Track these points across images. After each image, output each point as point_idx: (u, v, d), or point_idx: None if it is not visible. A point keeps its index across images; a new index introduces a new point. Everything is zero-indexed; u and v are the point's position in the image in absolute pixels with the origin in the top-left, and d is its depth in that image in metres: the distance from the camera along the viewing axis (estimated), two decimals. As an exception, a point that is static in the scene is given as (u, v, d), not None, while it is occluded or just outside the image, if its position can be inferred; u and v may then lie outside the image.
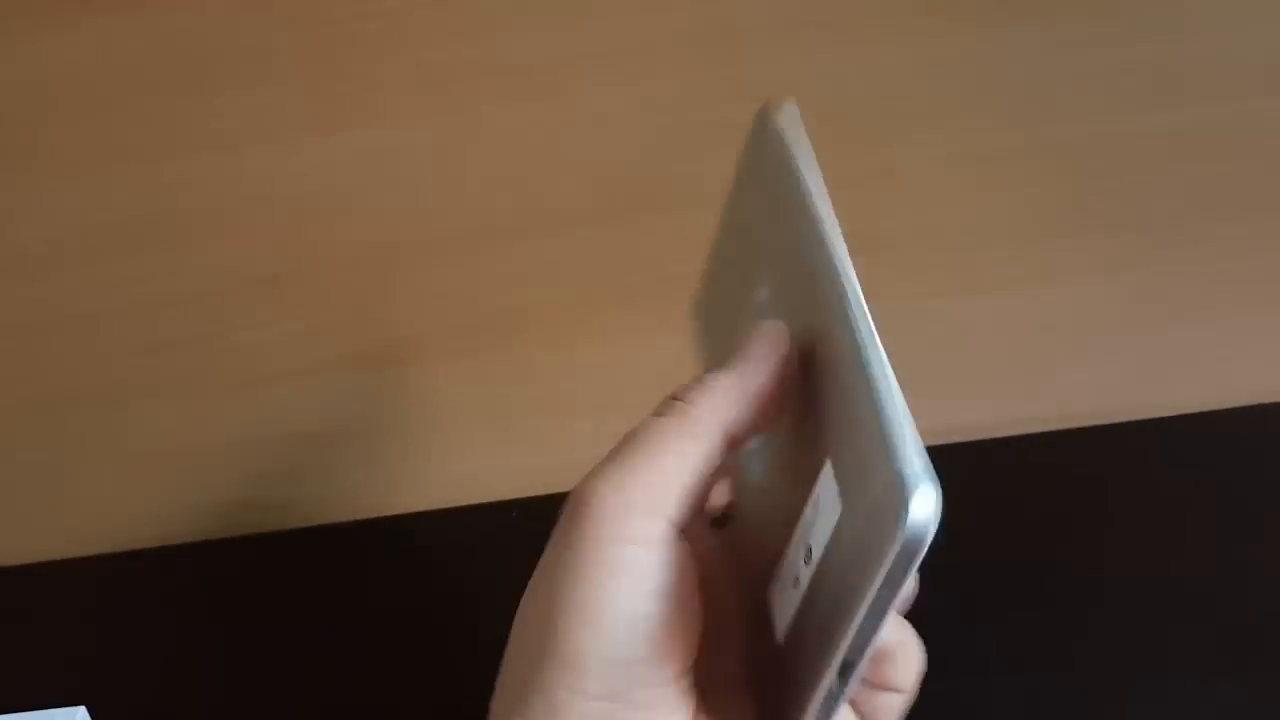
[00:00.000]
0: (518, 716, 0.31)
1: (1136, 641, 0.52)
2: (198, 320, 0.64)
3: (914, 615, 0.33)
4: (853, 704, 0.33)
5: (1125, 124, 0.58)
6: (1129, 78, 0.57)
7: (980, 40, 0.56)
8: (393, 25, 0.57)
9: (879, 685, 0.32)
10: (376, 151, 0.60)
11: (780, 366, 0.32)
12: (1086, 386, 0.66)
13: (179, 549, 0.70)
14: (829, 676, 0.29)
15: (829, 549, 0.28)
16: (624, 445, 0.33)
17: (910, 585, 0.29)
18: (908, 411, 0.26)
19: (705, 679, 0.32)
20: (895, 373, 0.27)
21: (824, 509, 0.28)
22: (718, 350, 0.27)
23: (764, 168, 0.33)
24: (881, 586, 0.25)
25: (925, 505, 0.23)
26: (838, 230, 0.28)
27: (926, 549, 0.24)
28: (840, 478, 0.27)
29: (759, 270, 0.34)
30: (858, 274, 0.31)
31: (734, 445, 0.32)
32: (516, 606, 0.32)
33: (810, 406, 0.30)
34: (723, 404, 0.32)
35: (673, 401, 0.33)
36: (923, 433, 0.25)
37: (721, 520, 0.38)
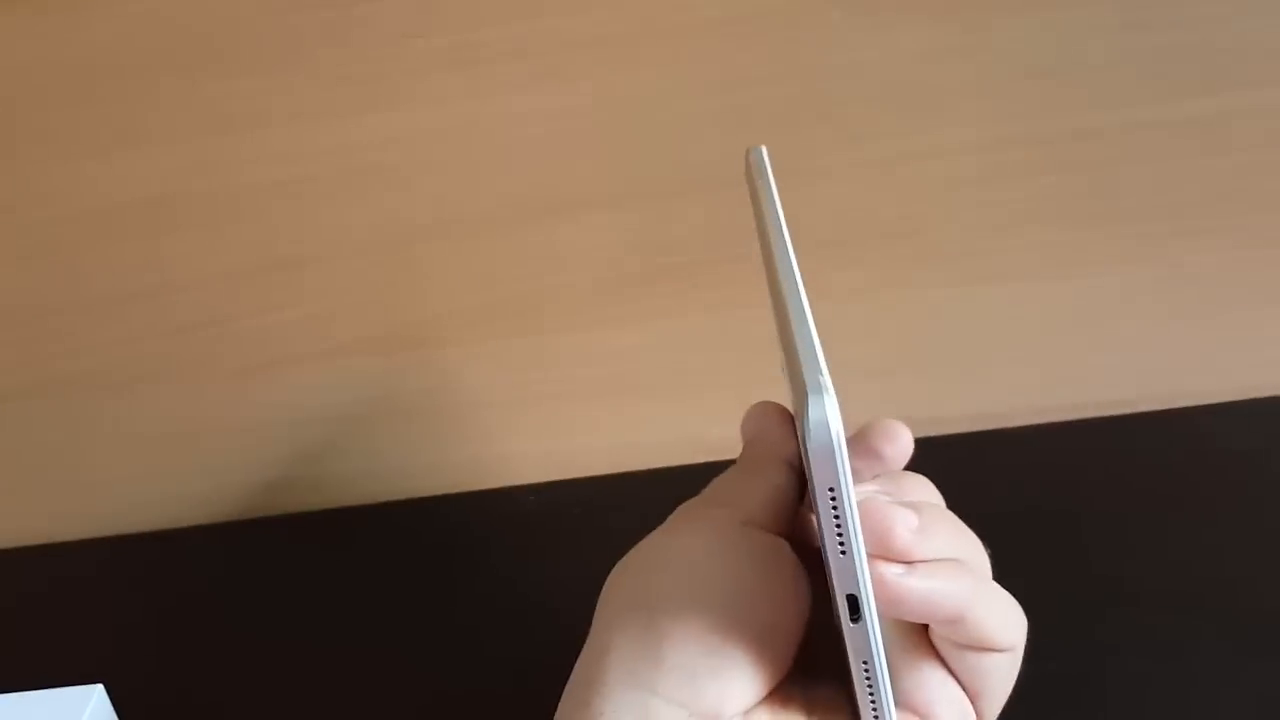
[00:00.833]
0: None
1: (1148, 632, 0.52)
2: (215, 304, 0.65)
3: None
4: (949, 669, 0.33)
5: (1147, 112, 0.58)
6: (1155, 65, 0.57)
7: (1003, 26, 0.56)
8: (412, 8, 0.56)
9: (966, 644, 0.32)
10: (395, 136, 0.60)
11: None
12: (1106, 376, 0.66)
13: (195, 531, 0.70)
14: (844, 616, 0.30)
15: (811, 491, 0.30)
16: None
17: (885, 522, 0.30)
18: (817, 341, 0.29)
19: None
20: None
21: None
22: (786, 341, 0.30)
23: (753, 200, 0.39)
24: (824, 497, 0.28)
25: (819, 407, 0.27)
26: (787, 243, 0.34)
27: (836, 449, 0.27)
28: (798, 414, 0.29)
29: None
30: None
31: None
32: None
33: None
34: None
35: None
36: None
37: None
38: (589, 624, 0.34)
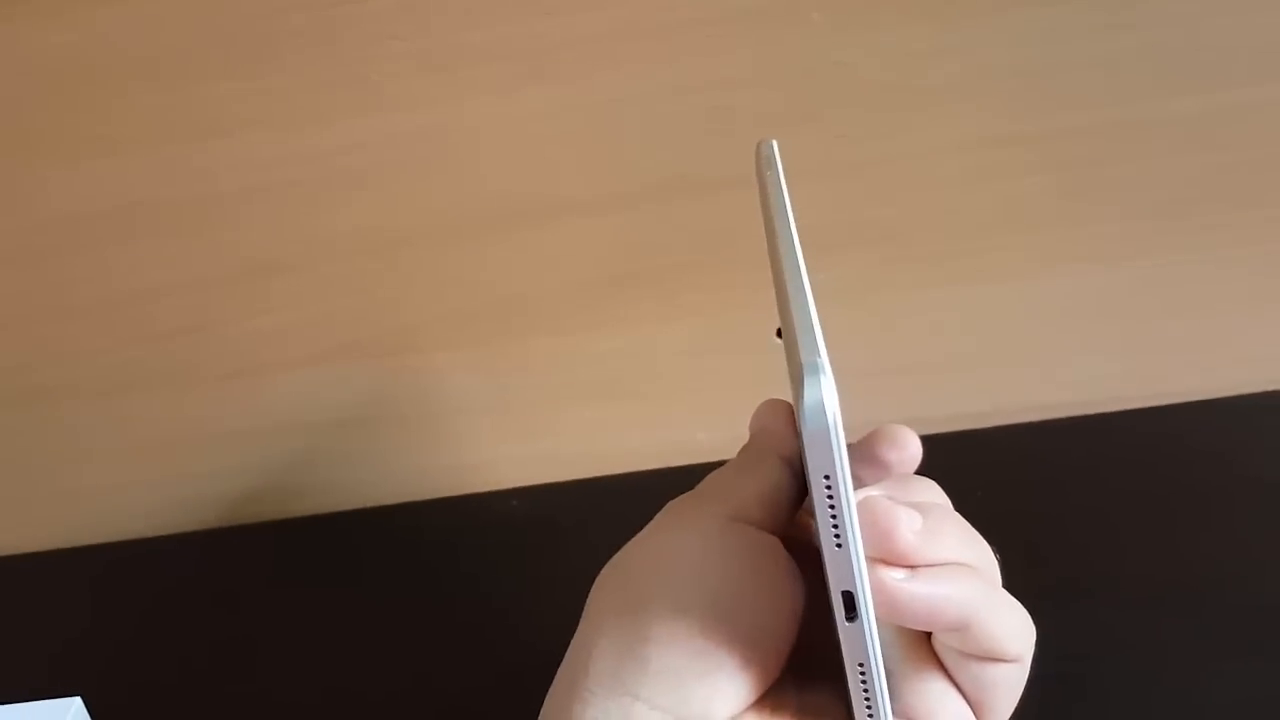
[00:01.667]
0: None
1: (1129, 632, 0.52)
2: (197, 310, 0.64)
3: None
4: (952, 679, 0.31)
5: (1132, 111, 0.58)
6: (1138, 64, 0.57)
7: (986, 26, 0.56)
8: (393, 10, 0.56)
9: (971, 653, 0.30)
10: (377, 139, 0.59)
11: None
12: (1090, 375, 0.66)
13: (176, 539, 0.70)
14: (839, 614, 0.28)
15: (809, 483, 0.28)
16: None
17: (885, 517, 0.29)
18: (819, 327, 0.28)
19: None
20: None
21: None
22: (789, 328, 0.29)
23: (761, 191, 0.37)
24: (820, 485, 0.26)
25: (814, 388, 0.26)
26: (793, 234, 0.32)
27: (832, 432, 0.26)
28: (795, 401, 0.28)
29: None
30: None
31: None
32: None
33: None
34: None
35: None
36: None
37: None
38: (574, 629, 0.33)
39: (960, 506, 0.33)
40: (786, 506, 0.34)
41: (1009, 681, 0.31)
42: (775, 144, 0.37)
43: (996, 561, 0.32)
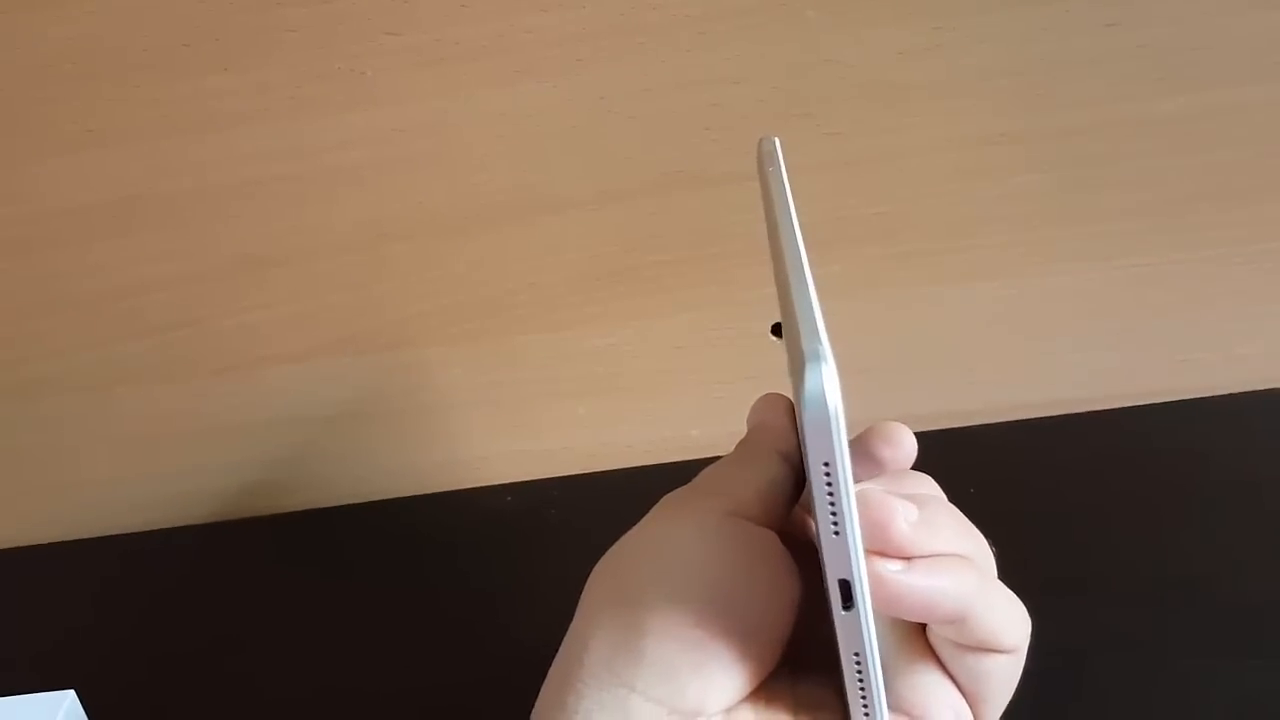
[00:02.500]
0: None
1: (1122, 630, 0.52)
2: (190, 304, 0.64)
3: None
4: (947, 671, 0.31)
5: (1131, 109, 0.58)
6: (1130, 63, 0.57)
7: (979, 24, 0.56)
8: (389, 6, 0.56)
9: (967, 645, 0.30)
10: (371, 134, 0.59)
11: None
12: (1081, 373, 0.66)
13: (168, 533, 0.70)
14: (835, 604, 0.28)
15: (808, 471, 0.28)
16: None
17: (884, 510, 0.29)
18: (820, 316, 0.28)
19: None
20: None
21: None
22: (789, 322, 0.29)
23: (763, 186, 0.37)
24: (819, 473, 0.26)
25: (815, 375, 0.26)
26: (795, 227, 0.32)
27: (832, 420, 0.26)
28: (795, 391, 0.28)
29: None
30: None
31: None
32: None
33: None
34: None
35: None
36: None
37: None
38: (567, 624, 0.33)
39: (953, 503, 0.33)
40: (783, 502, 0.34)
41: (1004, 673, 0.31)
42: (777, 140, 0.38)
43: (992, 554, 0.32)
